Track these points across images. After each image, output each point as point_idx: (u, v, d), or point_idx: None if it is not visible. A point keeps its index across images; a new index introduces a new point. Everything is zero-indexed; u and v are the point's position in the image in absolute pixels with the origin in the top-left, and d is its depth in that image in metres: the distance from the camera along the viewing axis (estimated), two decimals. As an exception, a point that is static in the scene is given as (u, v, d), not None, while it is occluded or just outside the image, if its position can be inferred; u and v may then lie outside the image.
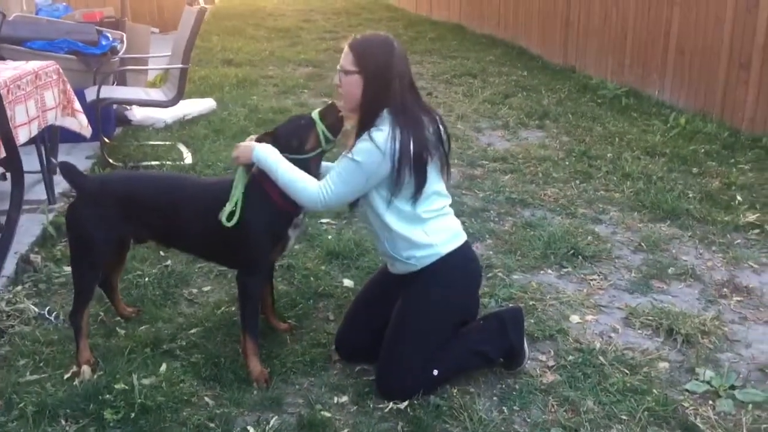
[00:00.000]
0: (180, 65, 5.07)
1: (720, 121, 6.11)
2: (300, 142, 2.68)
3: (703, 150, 5.49)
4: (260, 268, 2.79)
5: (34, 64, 4.07)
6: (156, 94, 5.41)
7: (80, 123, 4.40)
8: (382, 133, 2.49)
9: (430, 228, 2.61)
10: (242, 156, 2.68)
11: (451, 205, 2.75)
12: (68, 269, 3.58)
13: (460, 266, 2.66)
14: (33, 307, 3.22)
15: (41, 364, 2.83)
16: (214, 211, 2.66)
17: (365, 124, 2.57)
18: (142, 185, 2.86)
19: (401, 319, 2.62)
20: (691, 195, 4.57)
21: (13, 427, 2.46)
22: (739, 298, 3.35)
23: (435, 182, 2.61)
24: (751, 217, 4.18)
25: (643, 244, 3.89)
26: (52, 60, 4.49)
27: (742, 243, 3.92)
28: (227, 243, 2.71)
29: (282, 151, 2.65)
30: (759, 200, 4.48)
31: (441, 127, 2.65)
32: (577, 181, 4.91)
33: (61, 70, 4.26)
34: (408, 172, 2.50)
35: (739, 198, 4.51)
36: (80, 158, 5.20)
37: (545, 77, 8.29)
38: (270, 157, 2.61)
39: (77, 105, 4.39)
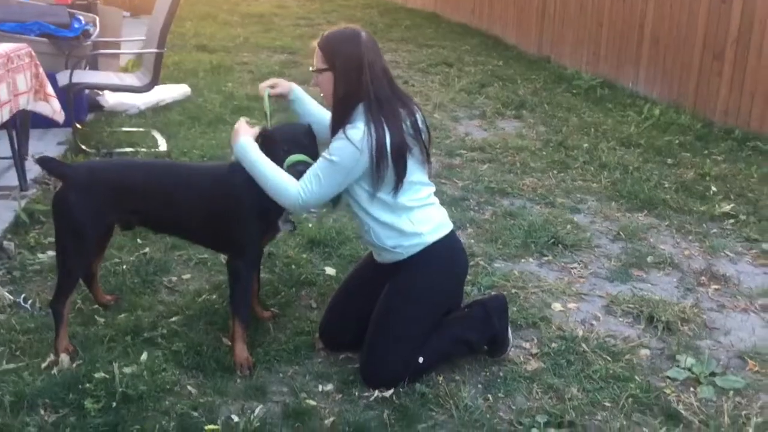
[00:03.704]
0: (155, 50, 4.98)
1: (693, 112, 6.17)
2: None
3: (677, 141, 5.55)
4: (251, 252, 2.79)
5: (5, 47, 3.96)
6: (130, 79, 5.30)
7: (53, 108, 4.30)
8: (358, 131, 2.48)
9: (416, 217, 2.61)
10: (233, 135, 2.72)
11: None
12: (42, 256, 3.53)
13: (446, 255, 2.66)
14: (8, 294, 3.15)
15: (17, 353, 2.76)
16: (208, 196, 2.70)
17: (339, 119, 2.57)
18: (133, 171, 2.83)
19: (387, 308, 2.61)
20: (666, 185, 4.62)
21: (-10, 417, 2.41)
22: (716, 287, 3.40)
23: (415, 173, 2.60)
24: (726, 207, 4.23)
25: (621, 233, 3.93)
26: (23, 43, 4.38)
27: (718, 232, 3.97)
28: (220, 226, 2.71)
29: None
30: (733, 191, 4.54)
31: (419, 117, 2.64)
32: (555, 171, 4.94)
33: (33, 53, 4.16)
34: (386, 167, 2.50)
35: (713, 188, 4.57)
36: (52, 144, 5.09)
37: (521, 67, 8.32)
38: (252, 153, 2.61)
39: (50, 89, 4.29)
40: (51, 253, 3.55)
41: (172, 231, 3.02)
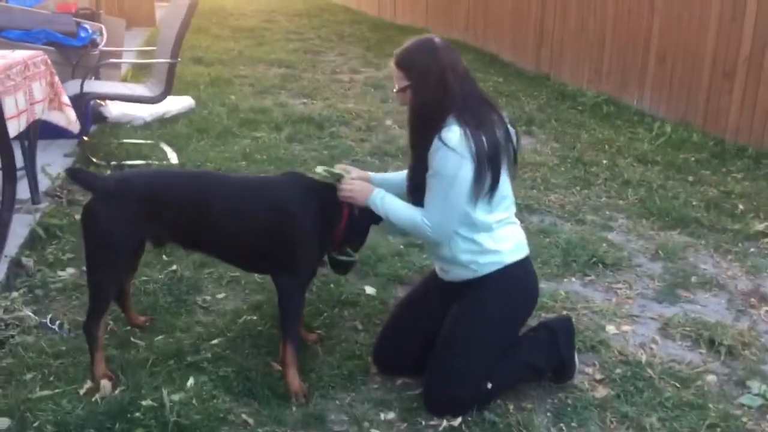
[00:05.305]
0: (169, 60, 4.81)
1: (702, 130, 6.13)
2: None
3: (693, 159, 5.50)
4: (306, 271, 2.64)
5: (22, 53, 3.79)
6: (141, 90, 5.13)
7: (68, 118, 4.11)
8: (454, 134, 2.35)
9: (498, 234, 2.48)
10: (358, 197, 2.59)
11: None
12: (63, 274, 3.36)
13: (521, 277, 2.54)
14: (33, 315, 2.96)
15: (51, 378, 2.59)
16: (261, 210, 2.52)
17: (428, 130, 2.41)
18: (169, 182, 2.63)
19: (457, 329, 2.47)
20: (695, 203, 4.55)
21: (33, 450, 2.23)
22: (767, 308, 3.31)
23: (504, 186, 2.48)
24: (760, 226, 4.16)
25: (660, 252, 3.83)
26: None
27: (756, 252, 3.90)
28: (272, 245, 2.53)
29: None
30: (761, 209, 4.47)
31: (509, 125, 2.52)
32: (578, 188, 4.85)
33: (49, 61, 3.98)
34: (486, 170, 2.36)
35: (741, 207, 4.51)
36: (58, 156, 4.88)
37: (521, 84, 8.26)
38: (385, 203, 2.54)
39: (65, 99, 4.09)
40: (71, 270, 3.38)
41: (209, 249, 2.74)
